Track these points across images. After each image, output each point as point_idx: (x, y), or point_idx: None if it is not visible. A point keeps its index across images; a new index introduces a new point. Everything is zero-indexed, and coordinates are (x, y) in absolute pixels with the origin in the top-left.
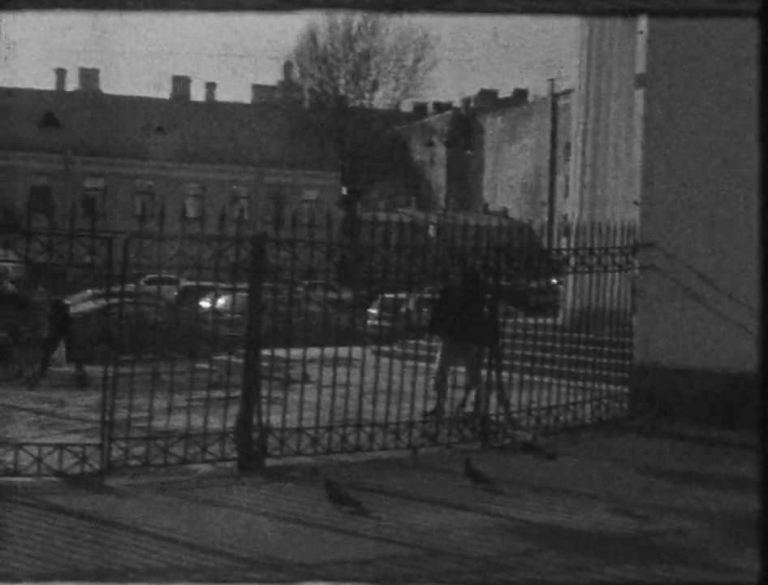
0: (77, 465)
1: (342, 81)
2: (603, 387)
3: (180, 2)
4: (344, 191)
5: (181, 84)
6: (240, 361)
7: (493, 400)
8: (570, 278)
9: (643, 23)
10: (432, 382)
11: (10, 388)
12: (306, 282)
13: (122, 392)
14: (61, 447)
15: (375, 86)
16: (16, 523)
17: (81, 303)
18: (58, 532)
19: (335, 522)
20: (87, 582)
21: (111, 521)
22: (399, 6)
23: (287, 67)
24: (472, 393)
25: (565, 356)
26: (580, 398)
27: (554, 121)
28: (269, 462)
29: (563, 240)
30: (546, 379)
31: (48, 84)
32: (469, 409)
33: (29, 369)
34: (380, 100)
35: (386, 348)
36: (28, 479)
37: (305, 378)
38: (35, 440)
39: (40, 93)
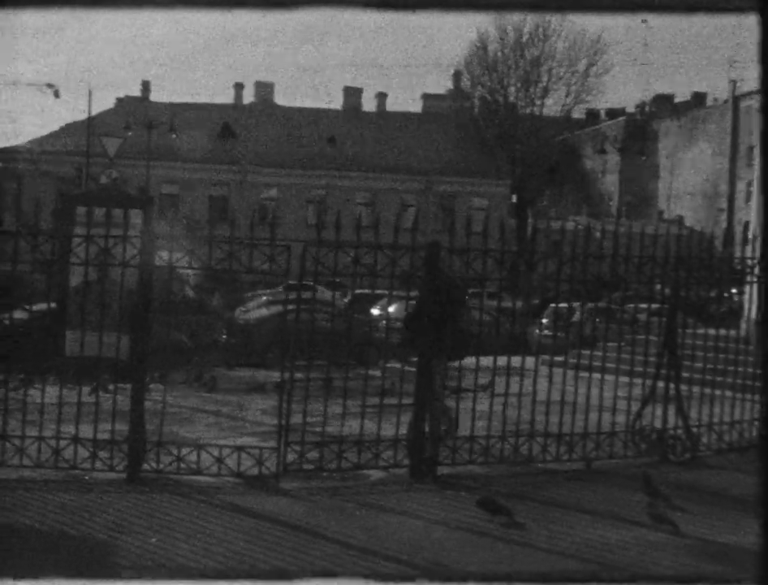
0: (254, 466)
1: (512, 88)
2: None
3: None
4: (514, 199)
5: (353, 95)
6: (412, 369)
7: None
8: (754, 288)
9: None
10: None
11: (191, 391)
12: (473, 290)
13: (297, 397)
14: (239, 449)
15: (546, 93)
16: (198, 520)
17: (256, 309)
18: (236, 531)
19: (508, 533)
20: (265, 580)
21: (287, 522)
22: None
23: (457, 75)
24: (650, 407)
25: (749, 369)
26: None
27: (735, 124)
28: (440, 470)
29: (746, 248)
30: (729, 393)
31: (226, 97)
32: (645, 422)
33: (208, 372)
34: (551, 107)
35: (558, 359)
36: (209, 479)
37: (489, 386)
38: (215, 442)
39: (218, 106)
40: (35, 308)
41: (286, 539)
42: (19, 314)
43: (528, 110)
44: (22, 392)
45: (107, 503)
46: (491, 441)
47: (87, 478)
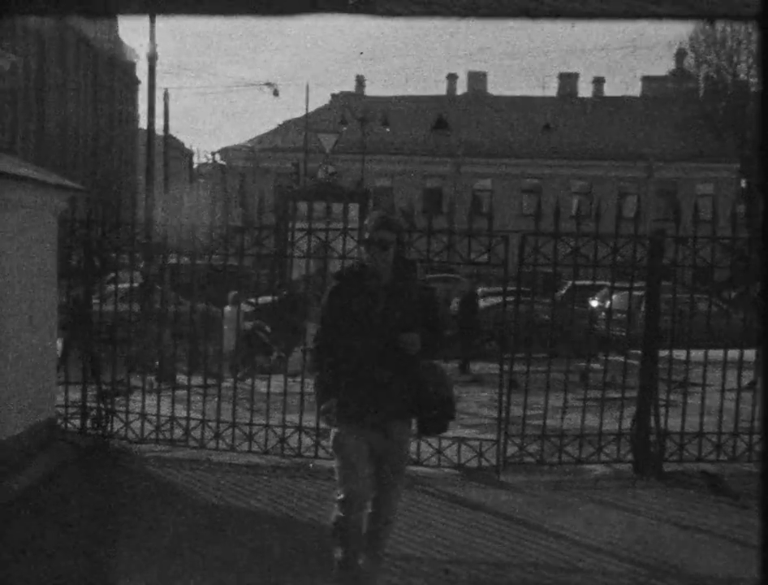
0: (474, 458)
1: (742, 65)
2: None
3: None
4: (743, 183)
5: (568, 80)
6: (635, 362)
7: None
8: None
9: None
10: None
11: None
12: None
13: (516, 389)
14: (459, 440)
15: None
16: (419, 510)
17: None
18: (456, 522)
19: (742, 533)
20: (484, 572)
21: (507, 515)
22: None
23: (680, 54)
24: None
25: None
26: None
27: None
28: (666, 467)
29: None
30: None
31: (440, 89)
32: None
33: None
34: None
35: None
36: (428, 469)
37: (752, 384)
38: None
39: (432, 98)
40: (259, 301)
41: (507, 532)
42: (244, 308)
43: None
44: (249, 382)
45: (330, 490)
46: (723, 438)
47: (311, 465)
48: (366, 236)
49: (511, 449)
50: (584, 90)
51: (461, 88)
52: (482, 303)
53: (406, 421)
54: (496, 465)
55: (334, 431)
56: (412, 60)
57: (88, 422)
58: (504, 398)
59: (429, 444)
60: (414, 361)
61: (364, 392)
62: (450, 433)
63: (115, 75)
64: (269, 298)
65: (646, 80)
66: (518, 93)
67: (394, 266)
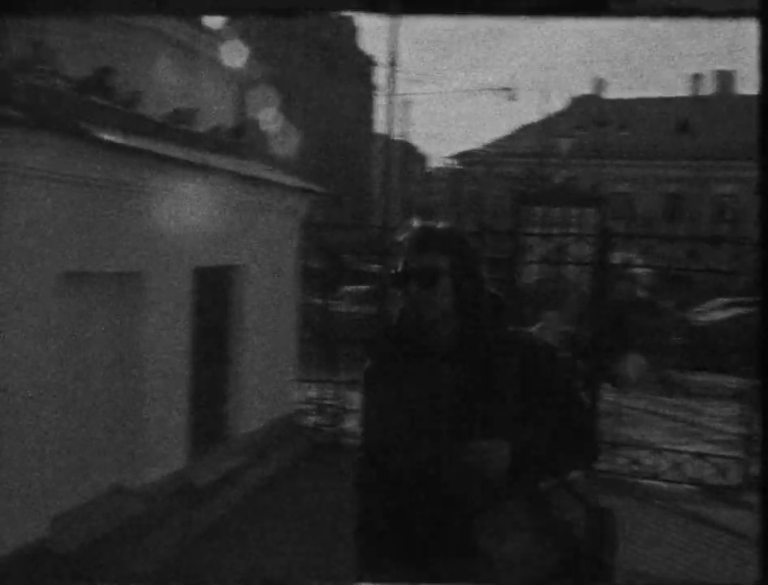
0: (715, 476)
1: None
2: None
3: None
4: None
5: None
6: None
7: None
8: None
9: None
10: None
11: (647, 393)
12: None
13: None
14: (699, 456)
15: None
16: (655, 526)
17: (711, 311)
18: (696, 541)
19: None
20: None
21: (753, 539)
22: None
23: None
24: None
25: None
26: None
27: None
28: None
29: None
30: None
31: (683, 90)
32: None
33: (657, 374)
34: None
35: None
36: (666, 485)
37: None
38: (673, 447)
39: (674, 100)
40: None
41: (752, 557)
42: None
43: None
44: None
45: None
46: None
47: None
48: (399, 265)
49: (757, 468)
50: None
51: (707, 89)
52: (723, 313)
53: None
54: (740, 484)
55: None
56: (654, 61)
57: (323, 419)
58: (747, 414)
59: (667, 459)
60: (511, 492)
61: (411, 550)
62: (687, 448)
63: (354, 81)
64: None
65: None
66: None
67: (459, 310)
